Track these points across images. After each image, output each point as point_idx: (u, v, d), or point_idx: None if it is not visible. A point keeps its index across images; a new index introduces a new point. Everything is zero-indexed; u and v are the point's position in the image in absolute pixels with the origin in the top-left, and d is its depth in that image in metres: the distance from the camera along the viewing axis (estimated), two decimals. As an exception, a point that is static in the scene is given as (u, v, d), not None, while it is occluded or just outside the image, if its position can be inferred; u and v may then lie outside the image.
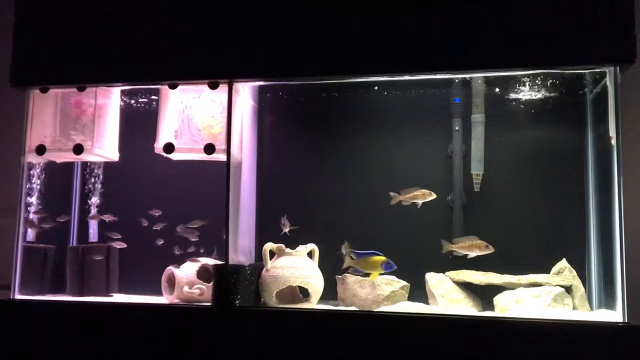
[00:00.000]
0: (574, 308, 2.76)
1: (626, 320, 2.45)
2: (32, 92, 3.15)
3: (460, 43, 2.68)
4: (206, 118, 3.14)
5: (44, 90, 3.13)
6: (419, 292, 2.99)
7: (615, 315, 2.53)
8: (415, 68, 2.76)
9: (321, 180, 3.35)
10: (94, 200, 3.46)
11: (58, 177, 3.39)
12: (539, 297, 2.71)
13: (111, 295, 3.24)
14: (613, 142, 2.57)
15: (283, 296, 2.97)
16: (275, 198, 3.32)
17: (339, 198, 3.30)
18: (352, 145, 3.34)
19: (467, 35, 2.67)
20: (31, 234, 3.21)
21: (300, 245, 3.01)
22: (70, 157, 3.21)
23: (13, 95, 3.20)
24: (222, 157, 2.96)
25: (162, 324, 2.80)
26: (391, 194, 2.95)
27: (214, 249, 3.09)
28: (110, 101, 3.27)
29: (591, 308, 2.85)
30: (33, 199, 3.21)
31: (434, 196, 2.91)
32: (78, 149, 3.13)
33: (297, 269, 2.93)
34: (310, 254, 3.03)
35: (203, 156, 3.06)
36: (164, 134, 3.16)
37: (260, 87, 3.26)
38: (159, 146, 3.13)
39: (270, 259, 3.00)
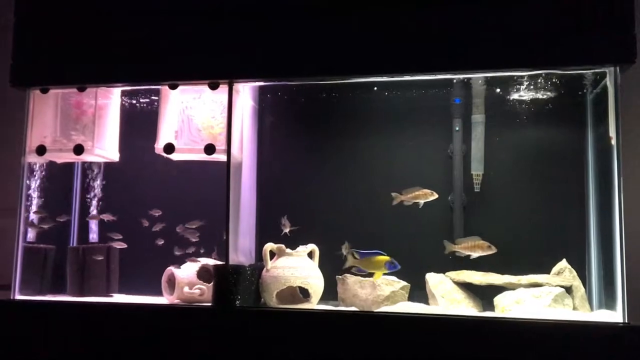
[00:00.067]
0: (574, 308, 2.76)
1: (626, 321, 2.45)
2: (33, 92, 3.15)
3: (460, 43, 2.68)
4: (206, 118, 3.14)
5: (44, 91, 3.13)
6: (419, 292, 2.99)
7: (616, 315, 2.53)
8: (415, 68, 2.76)
9: (321, 180, 3.34)
10: (94, 201, 3.46)
11: (58, 177, 3.39)
12: (540, 298, 2.71)
13: (111, 296, 3.24)
14: (613, 142, 2.57)
15: (283, 296, 2.97)
16: (275, 198, 3.31)
17: (339, 198, 3.29)
18: (352, 146, 3.34)
19: (467, 35, 2.67)
20: (31, 234, 3.21)
21: (300, 246, 3.01)
22: (70, 157, 3.22)
23: (13, 96, 3.20)
24: (223, 157, 2.96)
25: (162, 324, 2.80)
26: (393, 194, 2.95)
27: (214, 249, 3.09)
28: (110, 101, 3.27)
29: (591, 308, 2.84)
30: (33, 199, 3.21)
31: (436, 196, 2.91)
32: (78, 150, 3.13)
33: (297, 269, 2.93)
34: (310, 255, 3.03)
35: (203, 156, 3.06)
36: (164, 135, 3.16)
37: (261, 87, 3.26)
38: (159, 146, 3.14)
39: (271, 259, 3.00)
